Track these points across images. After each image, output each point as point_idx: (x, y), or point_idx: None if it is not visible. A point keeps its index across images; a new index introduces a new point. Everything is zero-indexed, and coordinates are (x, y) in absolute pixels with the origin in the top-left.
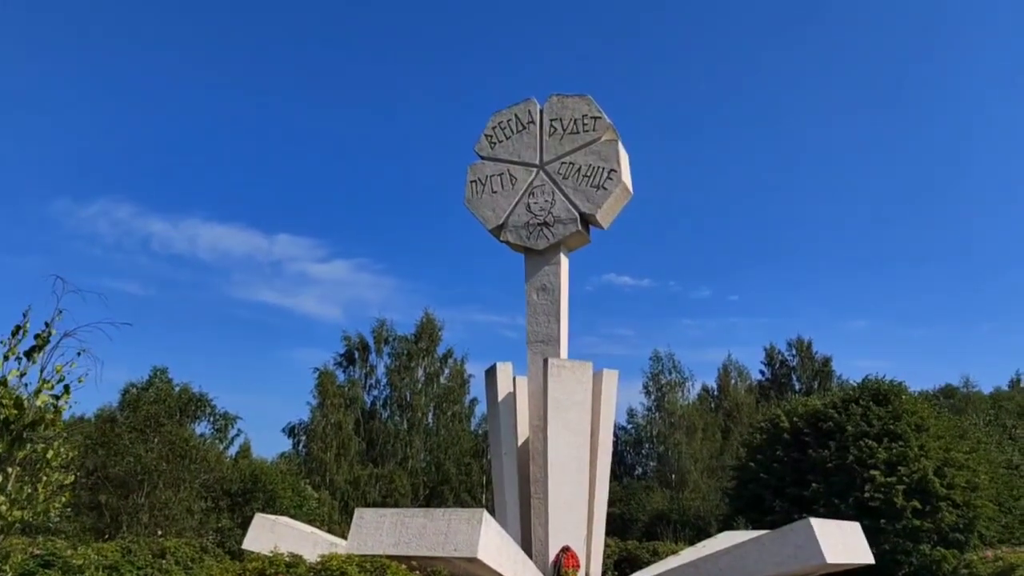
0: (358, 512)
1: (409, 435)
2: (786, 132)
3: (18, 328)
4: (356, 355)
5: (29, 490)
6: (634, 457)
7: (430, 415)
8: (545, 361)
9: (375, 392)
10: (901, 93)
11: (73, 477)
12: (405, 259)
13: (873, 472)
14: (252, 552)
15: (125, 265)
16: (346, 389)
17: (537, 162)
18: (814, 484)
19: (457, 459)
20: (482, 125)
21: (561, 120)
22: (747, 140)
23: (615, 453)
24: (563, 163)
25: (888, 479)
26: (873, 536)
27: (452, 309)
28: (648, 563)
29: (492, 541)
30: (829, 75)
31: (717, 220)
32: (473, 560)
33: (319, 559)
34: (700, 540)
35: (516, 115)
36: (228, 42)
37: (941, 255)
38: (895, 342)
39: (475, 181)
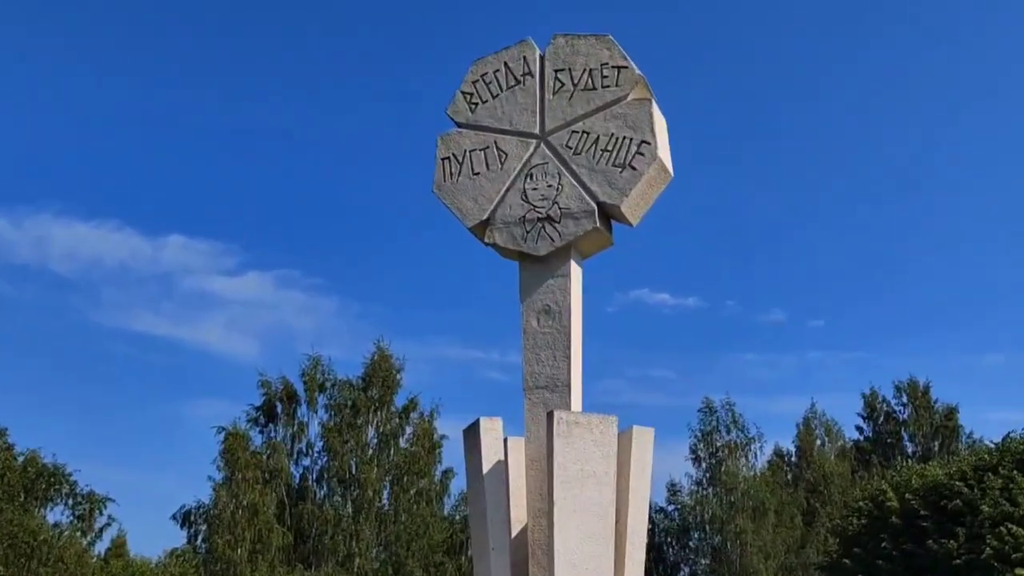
0: None
1: (355, 522)
2: (903, 118)
3: None
4: (279, 408)
5: None
6: (679, 552)
7: (385, 494)
8: (550, 415)
9: (306, 461)
10: None
11: None
12: (349, 271)
13: (1020, 571)
14: None
15: None
16: (264, 457)
17: (537, 131)
18: None
19: (424, 557)
20: (456, 77)
21: (570, 71)
22: (842, 128)
23: (651, 546)
24: (573, 132)
25: None
26: None
27: (415, 341)
28: None
29: None
30: (962, 67)
31: (794, 216)
32: None
33: None
34: None
35: (506, 64)
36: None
37: None
38: None
39: (448, 158)
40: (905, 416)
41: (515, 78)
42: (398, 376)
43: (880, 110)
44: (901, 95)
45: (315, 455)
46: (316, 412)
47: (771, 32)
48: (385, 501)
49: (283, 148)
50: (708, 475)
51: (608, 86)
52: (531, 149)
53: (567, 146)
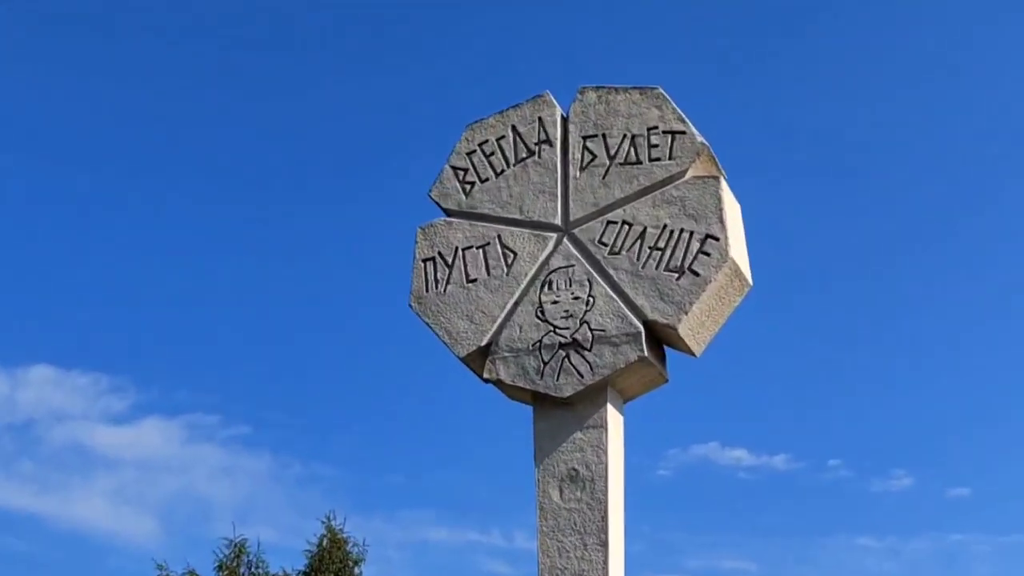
0: None
1: None
2: None
3: None
4: None
5: None
6: None
7: None
8: None
9: None
10: None
11: None
12: (285, 417)
13: None
14: None
15: None
16: None
17: (558, 221)
18: None
19: None
20: (443, 147)
21: (605, 138)
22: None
23: None
24: (610, 224)
25: None
26: None
27: (383, 517)
28: None
29: None
30: None
31: (920, 343)
32: None
33: None
34: None
35: (515, 129)
36: None
37: None
38: None
39: (432, 260)
40: None
41: (527, 148)
42: (357, 569)
43: None
44: None
45: None
46: None
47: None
48: None
49: (192, 242)
50: None
51: (658, 159)
52: (550, 247)
53: (601, 242)
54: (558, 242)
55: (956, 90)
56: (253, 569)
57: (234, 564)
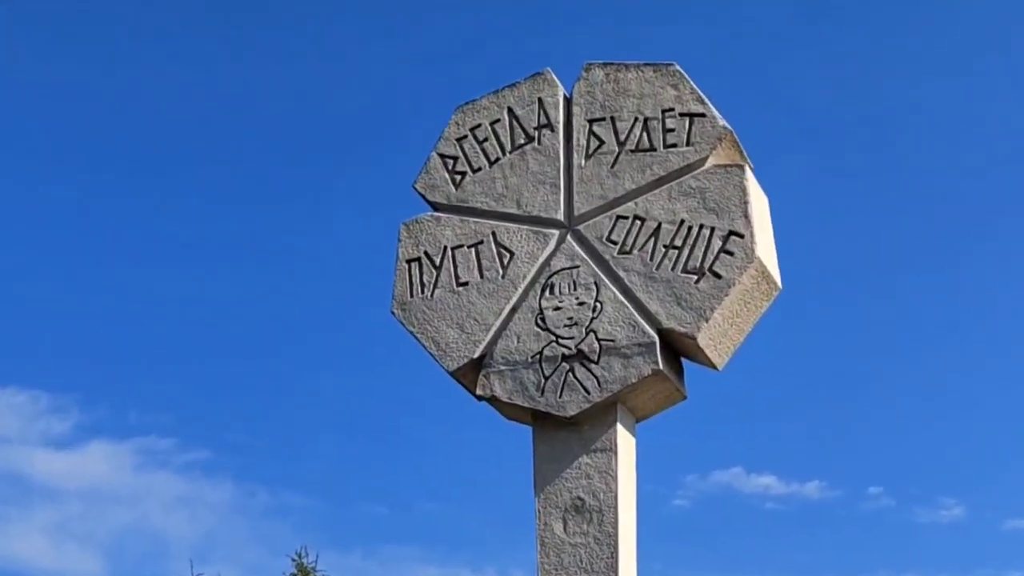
0: None
1: None
2: None
3: None
4: None
5: None
6: None
7: None
8: None
9: None
10: None
11: None
12: (253, 438)
13: None
14: None
15: None
16: None
17: (560, 216)
18: None
19: None
20: (430, 132)
21: (614, 122)
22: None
23: None
24: (620, 219)
25: None
26: None
27: (362, 551)
28: None
29: None
30: None
31: (969, 353)
32: None
33: None
34: None
35: (511, 111)
36: None
37: None
38: None
39: (418, 260)
40: None
41: (525, 133)
42: None
43: None
44: None
45: None
46: None
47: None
48: None
49: (146, 246)
50: None
51: (675, 145)
52: (551, 245)
53: (609, 240)
54: (561, 240)
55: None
56: None
57: None
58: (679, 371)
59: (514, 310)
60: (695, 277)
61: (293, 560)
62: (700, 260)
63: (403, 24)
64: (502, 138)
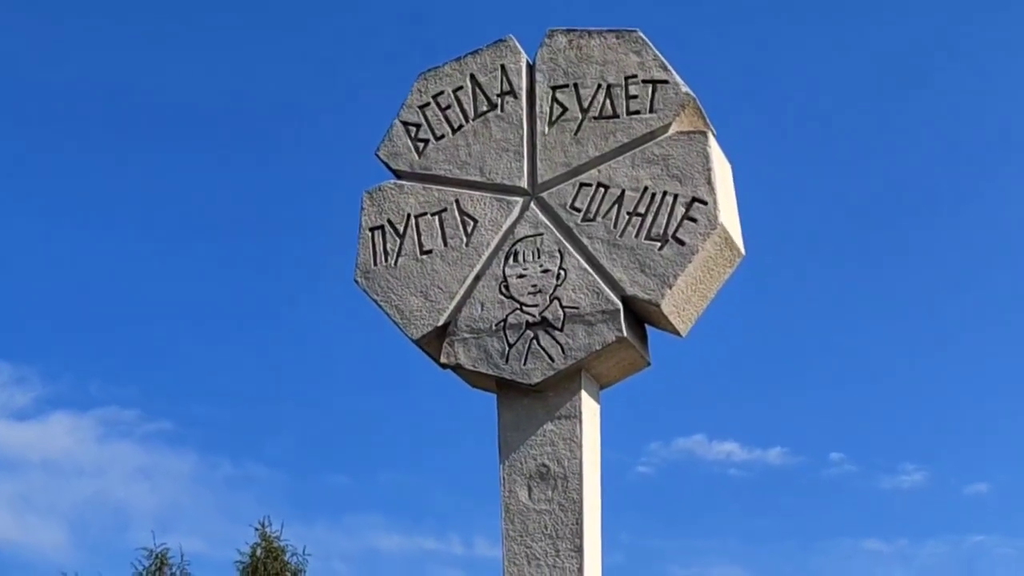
0: None
1: None
2: None
3: None
4: None
5: None
6: None
7: None
8: None
9: None
10: None
11: None
12: (216, 409)
13: None
14: None
15: None
16: None
17: (524, 184)
18: None
19: None
20: (393, 98)
21: (577, 88)
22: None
23: None
24: (583, 186)
25: None
26: None
27: (326, 522)
28: None
29: None
30: None
31: (934, 322)
32: None
33: None
34: None
35: (474, 79)
36: None
37: None
38: None
39: (380, 228)
40: None
41: (488, 100)
42: None
43: None
44: None
45: None
46: None
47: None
48: None
49: (108, 217)
50: None
51: (638, 112)
52: (515, 213)
53: (573, 208)
54: (524, 207)
55: (967, 32)
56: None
57: (156, 575)
58: (643, 338)
59: (478, 278)
60: (658, 244)
61: (257, 530)
62: (663, 227)
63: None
64: (465, 105)
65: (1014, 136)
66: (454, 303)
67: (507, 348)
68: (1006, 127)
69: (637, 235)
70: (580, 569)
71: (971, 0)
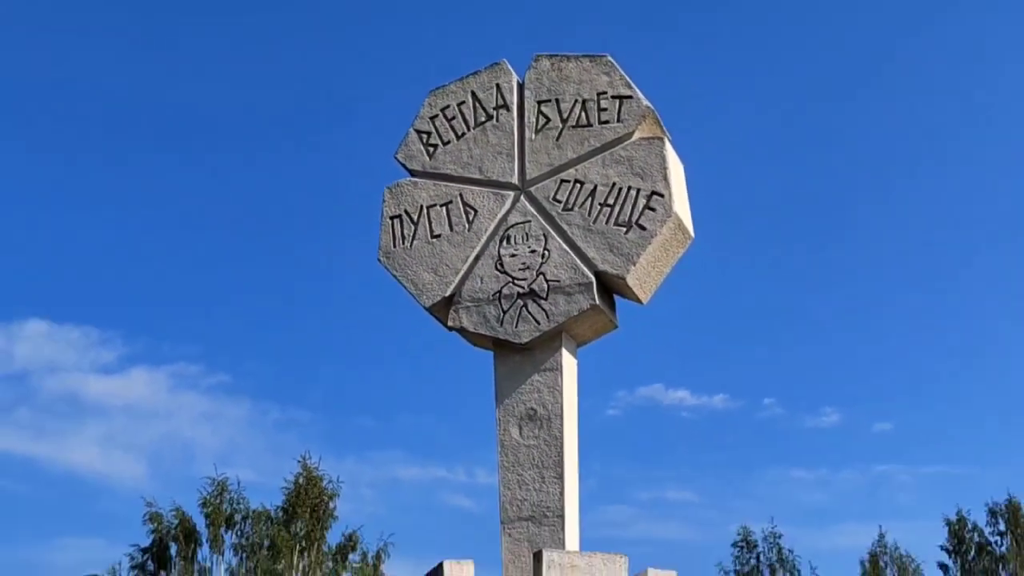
0: None
1: None
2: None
3: None
4: (174, 550)
5: None
6: None
7: None
8: (537, 557)
9: None
10: None
11: None
12: (266, 365)
13: None
14: None
15: None
16: None
17: (515, 180)
18: None
19: None
20: (410, 111)
21: (558, 103)
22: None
23: None
24: (563, 182)
25: None
26: None
27: (355, 457)
28: None
29: None
30: None
31: (849, 289)
32: None
33: None
34: None
35: (474, 95)
36: None
37: None
38: None
39: (399, 217)
40: (1003, 549)
41: (486, 112)
42: (331, 505)
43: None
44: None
45: None
46: (222, 554)
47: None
48: None
49: (176, 207)
50: None
51: (607, 122)
52: (508, 204)
53: (555, 199)
54: (515, 200)
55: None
56: (234, 505)
57: (217, 501)
58: (612, 305)
59: (478, 257)
60: (624, 229)
61: (299, 463)
62: (628, 215)
63: (385, 23)
64: (467, 116)
65: (921, 143)
66: (458, 277)
67: (502, 314)
68: (916, 133)
69: (607, 222)
70: (561, 493)
71: (896, 17)
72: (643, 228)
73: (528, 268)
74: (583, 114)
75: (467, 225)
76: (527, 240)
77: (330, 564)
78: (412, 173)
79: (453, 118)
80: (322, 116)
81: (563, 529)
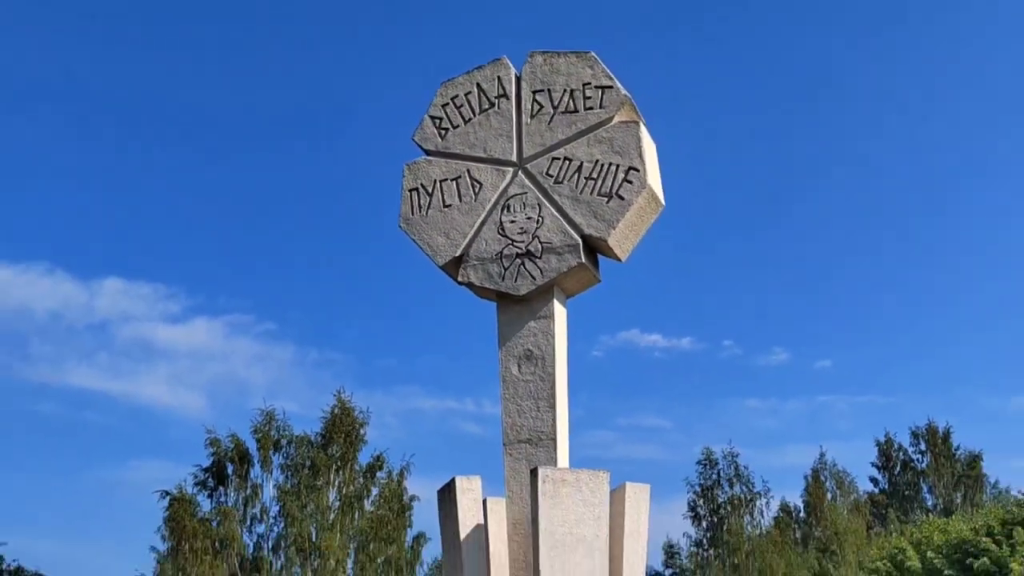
0: None
1: None
2: (911, 129)
3: None
4: (230, 469)
5: None
6: None
7: (349, 563)
8: (534, 473)
9: (260, 528)
10: None
11: None
12: (305, 315)
13: None
14: None
15: None
16: (214, 524)
17: (513, 158)
18: None
19: None
20: (425, 101)
21: (550, 92)
22: (845, 138)
23: None
24: (554, 159)
25: None
26: None
27: (381, 391)
28: None
29: None
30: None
31: (794, 248)
32: None
33: None
34: None
35: (479, 86)
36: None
37: None
38: None
39: (416, 189)
40: (924, 465)
41: (489, 101)
42: (362, 431)
43: (898, 121)
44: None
45: (270, 521)
46: (271, 473)
47: (771, 48)
48: (349, 571)
49: (230, 181)
50: (709, 535)
51: (591, 108)
52: (508, 178)
53: (547, 174)
54: (514, 174)
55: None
56: (281, 432)
57: (266, 428)
58: (596, 263)
59: (483, 223)
60: (606, 199)
61: (335, 396)
62: (610, 187)
63: (407, 29)
64: (473, 104)
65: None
66: (466, 240)
67: (503, 271)
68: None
69: (592, 193)
70: (553, 420)
71: (839, 29)
72: (622, 198)
73: (525, 232)
74: (571, 101)
75: (473, 196)
76: (524, 208)
77: (361, 480)
78: (427, 152)
79: (461, 105)
80: (353, 109)
81: (555, 450)
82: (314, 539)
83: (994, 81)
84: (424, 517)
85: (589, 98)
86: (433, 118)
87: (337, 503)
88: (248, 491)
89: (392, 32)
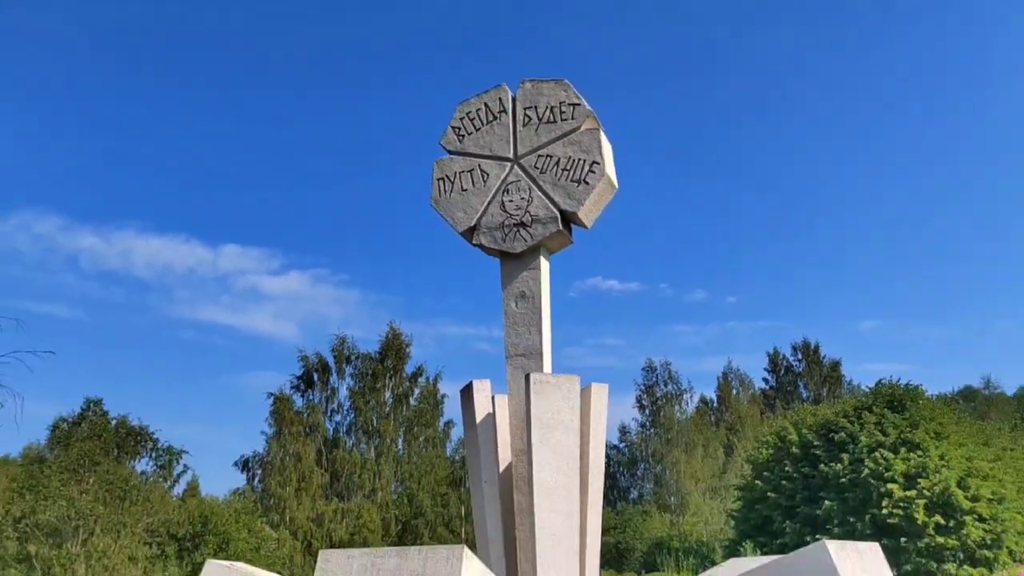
0: (323, 554)
1: (377, 464)
2: (787, 113)
3: None
4: (315, 377)
5: None
6: (629, 479)
7: (400, 441)
8: (527, 377)
9: (337, 417)
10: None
11: None
12: (367, 269)
13: (891, 486)
14: None
15: (50, 285)
16: (305, 415)
17: (511, 155)
18: (827, 502)
19: (432, 489)
20: (448, 117)
21: (536, 108)
22: (741, 122)
23: (608, 475)
24: (539, 156)
25: (907, 493)
26: (894, 556)
27: (421, 322)
28: None
29: None
30: (839, 56)
31: (710, 215)
32: None
33: None
34: (704, 569)
35: (486, 104)
36: (157, 30)
37: (956, 247)
38: (909, 343)
39: (442, 179)
40: (801, 369)
41: (493, 115)
42: (408, 350)
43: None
44: (829, 91)
45: (344, 413)
46: (344, 379)
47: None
48: (400, 447)
49: (317, 175)
50: (651, 419)
51: (566, 119)
52: (507, 170)
53: (535, 167)
54: (511, 168)
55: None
56: (350, 350)
57: (340, 348)
58: (570, 230)
59: (489, 203)
60: (577, 184)
61: (388, 325)
62: (579, 175)
63: (437, 64)
64: (482, 117)
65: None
66: (478, 215)
67: (504, 236)
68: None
69: (567, 180)
70: (541, 341)
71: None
72: (587, 183)
73: (519, 209)
74: (551, 115)
75: (483, 183)
76: (519, 192)
77: (407, 384)
78: (449, 152)
79: (473, 119)
80: (402, 125)
81: (542, 361)
82: (375, 425)
83: None
84: (452, 409)
85: (564, 112)
86: (453, 127)
87: (391, 400)
88: (328, 392)
89: (430, 71)
